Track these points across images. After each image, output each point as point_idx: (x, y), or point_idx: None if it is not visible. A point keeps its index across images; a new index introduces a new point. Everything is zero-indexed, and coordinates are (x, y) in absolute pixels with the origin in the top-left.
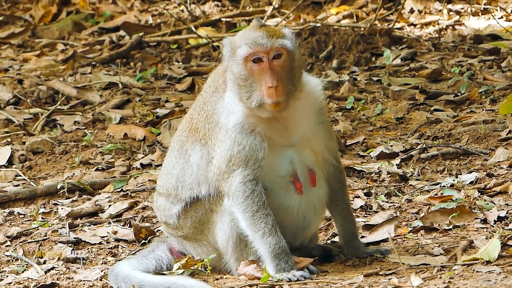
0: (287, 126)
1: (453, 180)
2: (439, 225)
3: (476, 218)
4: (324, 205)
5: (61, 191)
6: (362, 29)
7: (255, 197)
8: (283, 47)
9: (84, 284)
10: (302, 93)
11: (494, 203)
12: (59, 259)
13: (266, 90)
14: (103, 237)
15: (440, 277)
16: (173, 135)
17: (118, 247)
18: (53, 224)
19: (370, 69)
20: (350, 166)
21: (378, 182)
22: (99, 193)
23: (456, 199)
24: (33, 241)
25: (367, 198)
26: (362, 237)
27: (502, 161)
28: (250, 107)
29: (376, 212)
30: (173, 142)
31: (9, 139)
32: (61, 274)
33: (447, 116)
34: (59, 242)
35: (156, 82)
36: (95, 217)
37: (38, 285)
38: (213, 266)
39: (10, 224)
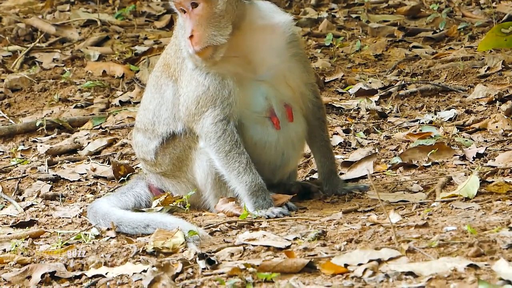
0: (249, 60)
1: (432, 117)
2: (417, 162)
3: (455, 155)
4: (303, 141)
5: (40, 129)
6: None
7: (227, 136)
8: None
9: (63, 221)
10: (256, 28)
11: (473, 140)
12: (38, 196)
13: (187, 40)
14: (82, 174)
15: (419, 214)
16: (151, 72)
17: (97, 184)
18: (32, 162)
19: (349, 6)
20: (329, 103)
21: (357, 119)
22: (78, 131)
23: (435, 136)
24: (12, 178)
25: (346, 135)
26: (341, 174)
27: (481, 97)
28: (186, 56)
29: (355, 149)
30: (150, 78)
31: None
32: (40, 211)
33: (426, 53)
34: (38, 179)
35: (134, 20)
36: (74, 154)
37: (17, 222)
38: (192, 203)
39: None
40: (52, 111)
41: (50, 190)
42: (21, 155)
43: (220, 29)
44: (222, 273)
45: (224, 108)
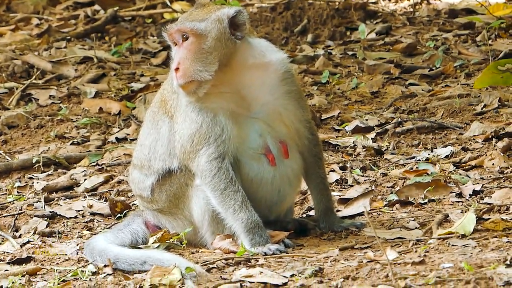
0: (243, 97)
1: (428, 154)
2: (414, 199)
3: (452, 192)
4: (299, 177)
5: (36, 165)
6: (337, 3)
7: (222, 174)
8: (183, 29)
9: (59, 257)
10: (248, 67)
11: (469, 177)
12: (34, 233)
13: (173, 73)
14: (79, 211)
15: (416, 251)
16: (148, 108)
17: (94, 221)
18: (29, 198)
19: (345, 43)
20: (325, 140)
21: (353, 156)
22: (75, 167)
23: (431, 173)
24: (8, 215)
25: (343, 172)
26: (338, 211)
27: (477, 135)
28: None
29: (352, 186)
30: (147, 113)
31: None
32: (36, 247)
33: (422, 90)
34: (35, 216)
35: (131, 57)
36: (71, 191)
37: (14, 259)
38: (188, 240)
39: None
40: (49, 148)
41: (46, 227)
42: (17, 192)
43: (206, 65)
44: None
45: (218, 145)
